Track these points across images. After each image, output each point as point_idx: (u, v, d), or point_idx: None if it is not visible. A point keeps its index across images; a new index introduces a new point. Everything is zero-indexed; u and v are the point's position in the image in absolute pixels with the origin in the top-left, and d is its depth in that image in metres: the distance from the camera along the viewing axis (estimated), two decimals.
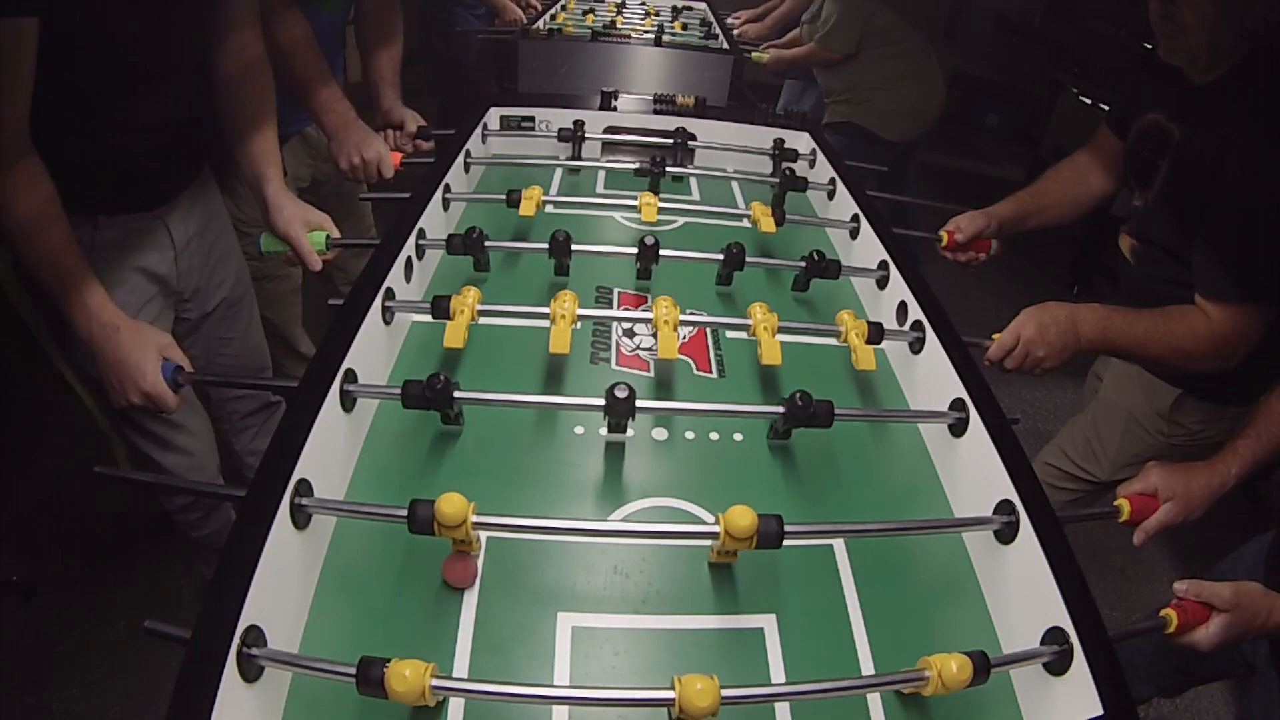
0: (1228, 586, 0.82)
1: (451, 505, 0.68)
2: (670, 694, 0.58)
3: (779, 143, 1.63)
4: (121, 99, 1.05)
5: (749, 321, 1.03)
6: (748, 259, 1.17)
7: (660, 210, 1.32)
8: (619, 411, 0.84)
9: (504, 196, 1.30)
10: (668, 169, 1.48)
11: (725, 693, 0.58)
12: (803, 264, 1.19)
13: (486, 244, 1.14)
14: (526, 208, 1.27)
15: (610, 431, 0.92)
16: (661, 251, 1.15)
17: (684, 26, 2.69)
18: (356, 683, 0.58)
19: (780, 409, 0.87)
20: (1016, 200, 1.46)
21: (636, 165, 1.49)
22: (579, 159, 1.58)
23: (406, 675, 0.57)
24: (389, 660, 0.59)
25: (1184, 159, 1.15)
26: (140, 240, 1.18)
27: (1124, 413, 1.37)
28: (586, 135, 1.59)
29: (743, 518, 0.70)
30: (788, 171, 1.52)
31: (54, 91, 0.95)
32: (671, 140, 1.60)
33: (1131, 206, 1.32)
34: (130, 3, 0.98)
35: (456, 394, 0.85)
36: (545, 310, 1.00)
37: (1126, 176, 1.33)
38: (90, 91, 1.01)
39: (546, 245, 1.14)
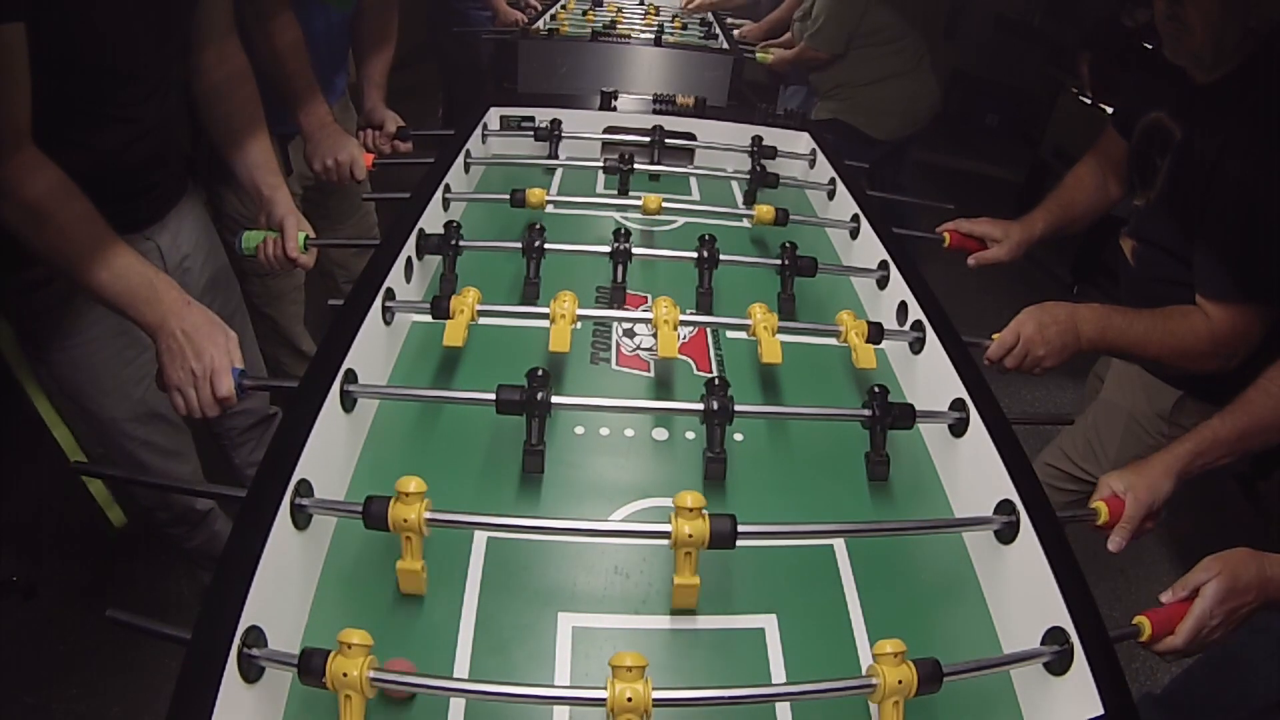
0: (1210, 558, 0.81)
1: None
2: (602, 693, 0.58)
3: (756, 140, 1.63)
4: (103, 111, 1.04)
5: (749, 321, 1.03)
6: (721, 257, 1.17)
7: (661, 210, 1.32)
8: (532, 410, 0.84)
9: (505, 196, 1.30)
10: (636, 167, 1.47)
11: (656, 695, 0.58)
12: (779, 262, 1.18)
13: (461, 243, 1.15)
14: (534, 201, 1.28)
15: (532, 445, 0.88)
16: (638, 251, 1.16)
17: (684, 26, 2.69)
18: (298, 672, 0.59)
19: (699, 405, 0.86)
20: (1048, 213, 1.43)
21: (603, 163, 1.48)
22: (555, 157, 1.58)
23: (345, 676, 0.58)
24: (329, 652, 0.59)
25: (1186, 158, 1.15)
26: None
27: (1124, 414, 1.37)
28: (569, 135, 1.59)
29: (690, 494, 0.70)
30: (755, 168, 1.52)
31: (35, 106, 0.94)
32: (649, 139, 1.59)
33: (1133, 206, 1.32)
34: (112, 11, 0.97)
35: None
36: (545, 310, 1.00)
37: (1129, 176, 1.33)
38: (71, 103, 1.00)
39: (519, 244, 1.14)
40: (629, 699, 0.57)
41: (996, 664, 0.68)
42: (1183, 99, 1.18)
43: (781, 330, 1.02)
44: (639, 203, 1.32)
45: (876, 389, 0.91)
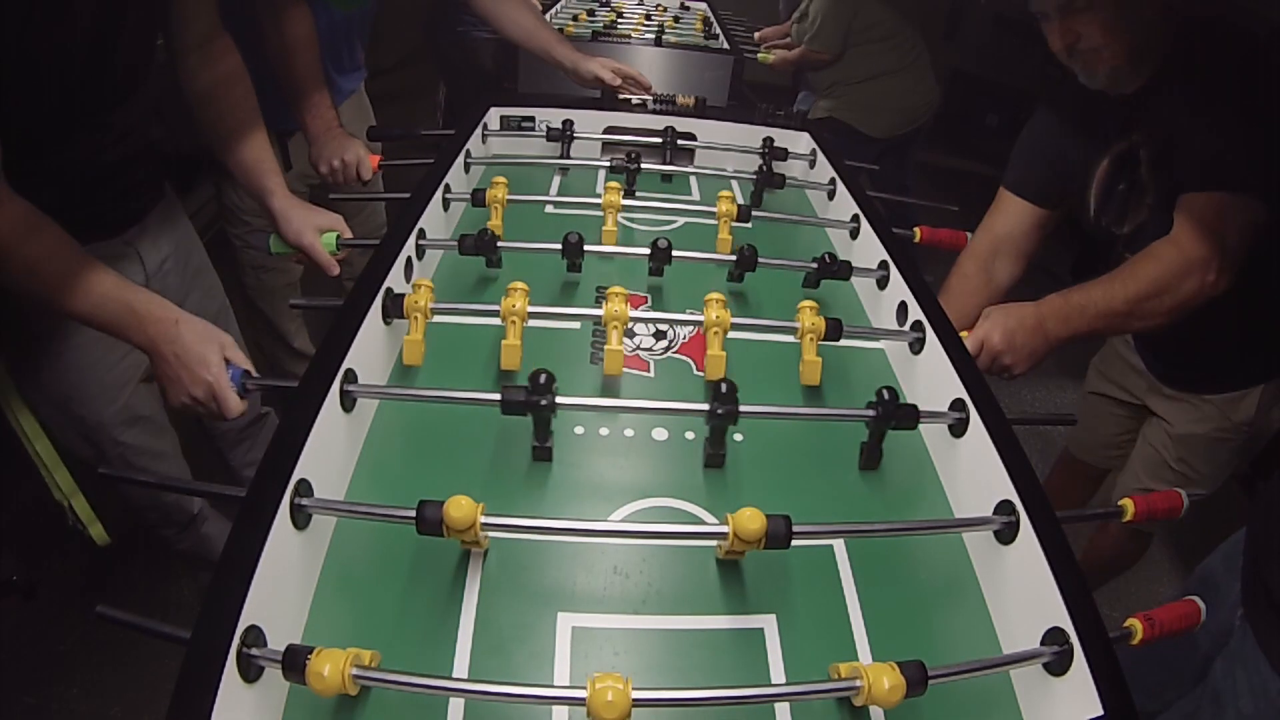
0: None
1: (459, 509, 0.68)
2: (582, 693, 0.57)
3: (768, 141, 1.63)
4: (74, 122, 1.03)
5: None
6: (760, 259, 1.17)
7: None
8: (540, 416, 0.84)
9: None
10: (643, 167, 1.46)
11: (649, 695, 0.57)
12: (814, 265, 1.18)
13: (499, 244, 1.14)
14: (493, 197, 1.26)
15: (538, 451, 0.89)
16: (675, 253, 1.15)
17: (702, 25, 2.69)
18: (282, 668, 0.59)
19: (701, 406, 0.87)
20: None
21: (610, 163, 1.47)
22: (568, 158, 1.58)
23: (324, 673, 0.58)
24: (313, 649, 0.59)
25: (1158, 156, 1.14)
26: (111, 268, 1.16)
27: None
28: (576, 135, 1.59)
29: (751, 521, 0.69)
30: (762, 168, 1.52)
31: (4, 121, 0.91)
32: (660, 139, 1.59)
33: (1120, 237, 1.30)
34: (67, 28, 0.94)
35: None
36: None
37: (1097, 222, 1.31)
38: (39, 111, 0.98)
39: (559, 246, 1.13)
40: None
41: (995, 664, 0.68)
42: (1127, 118, 1.17)
43: (737, 328, 1.00)
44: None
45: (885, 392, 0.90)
